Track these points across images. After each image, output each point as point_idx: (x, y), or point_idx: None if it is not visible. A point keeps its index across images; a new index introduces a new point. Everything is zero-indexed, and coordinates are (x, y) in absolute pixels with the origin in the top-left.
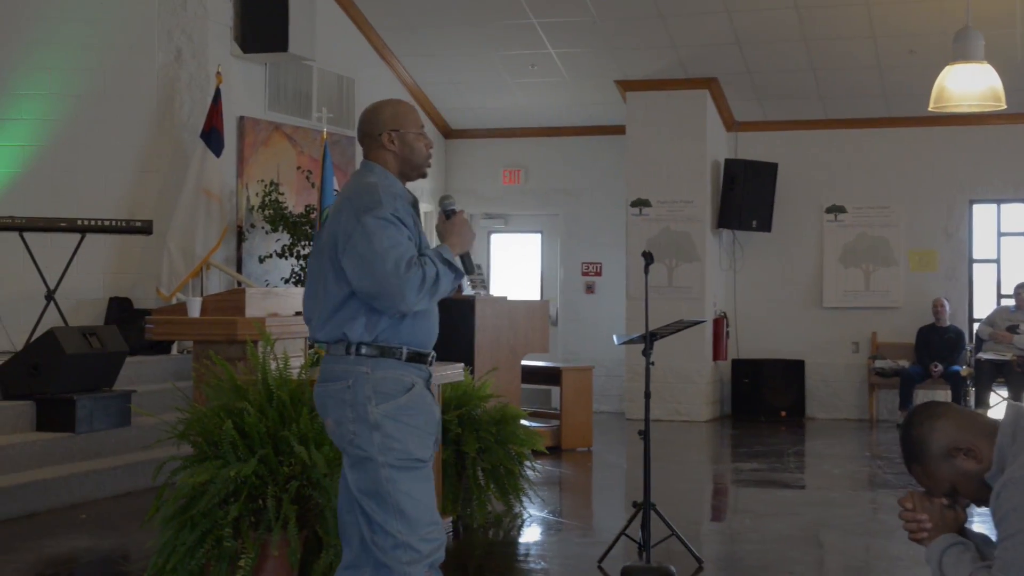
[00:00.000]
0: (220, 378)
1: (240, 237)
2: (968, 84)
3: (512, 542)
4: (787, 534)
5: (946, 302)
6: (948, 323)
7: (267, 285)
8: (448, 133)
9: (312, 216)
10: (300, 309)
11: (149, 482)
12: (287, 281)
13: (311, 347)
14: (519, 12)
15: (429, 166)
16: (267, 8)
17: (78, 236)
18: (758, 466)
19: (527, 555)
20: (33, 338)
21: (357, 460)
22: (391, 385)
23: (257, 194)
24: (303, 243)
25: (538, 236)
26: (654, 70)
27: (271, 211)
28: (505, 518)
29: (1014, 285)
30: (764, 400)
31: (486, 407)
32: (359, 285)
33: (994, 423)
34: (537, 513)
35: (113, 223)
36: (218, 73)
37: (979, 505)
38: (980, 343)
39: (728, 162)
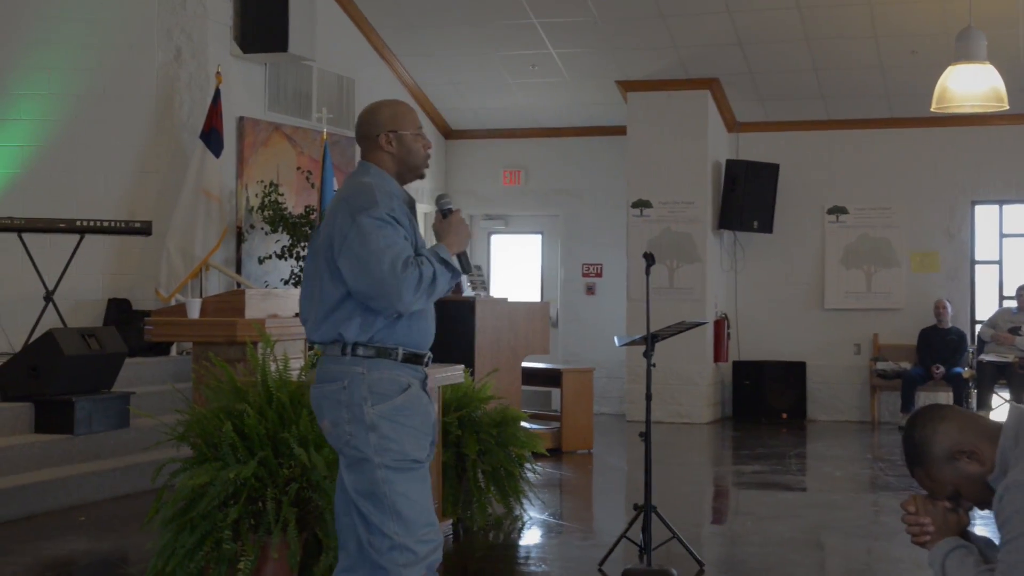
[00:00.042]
0: (220, 380)
1: (239, 238)
2: (970, 84)
3: (512, 545)
4: (788, 537)
5: (948, 303)
6: (950, 325)
7: (266, 286)
8: (448, 133)
9: (312, 217)
10: (299, 311)
11: (148, 484)
12: (287, 282)
13: (311, 349)
14: (520, 12)
15: (427, 167)
16: (267, 8)
17: (77, 237)
18: (759, 468)
19: (527, 558)
20: (32, 339)
21: (353, 461)
22: (387, 386)
23: (257, 195)
24: (303, 244)
25: (538, 237)
26: (655, 70)
27: (271, 212)
28: (505, 520)
29: (1016, 286)
30: (765, 402)
31: (486, 409)
32: (355, 286)
33: (997, 425)
34: (537, 515)
35: (112, 224)
36: (218, 73)
37: (982, 508)
38: (982, 345)
39: (729, 163)
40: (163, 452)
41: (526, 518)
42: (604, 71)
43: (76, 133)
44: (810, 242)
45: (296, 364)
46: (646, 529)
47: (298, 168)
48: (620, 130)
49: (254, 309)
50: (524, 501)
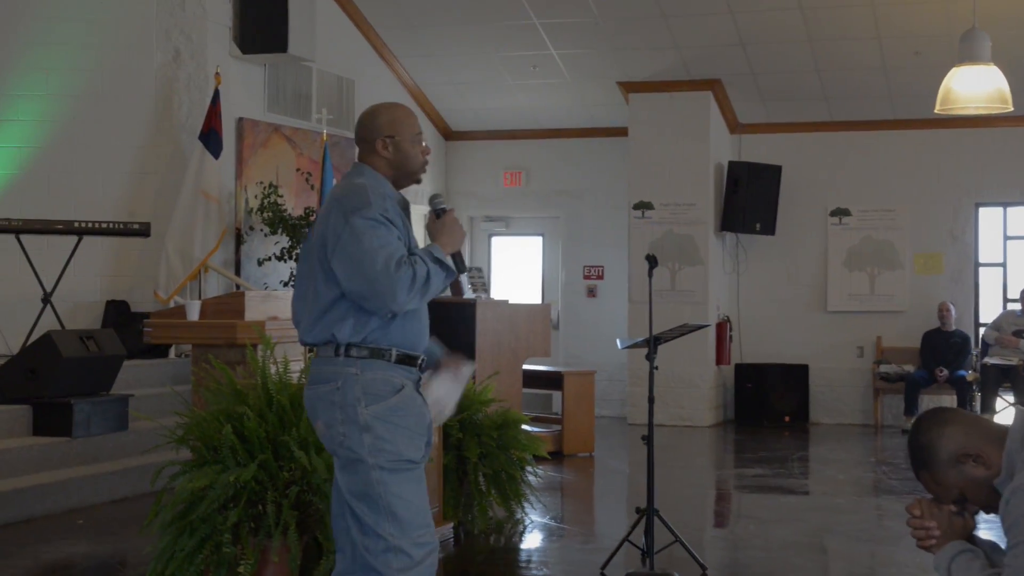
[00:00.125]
0: (219, 382)
1: (239, 240)
2: (975, 86)
3: (513, 548)
4: (791, 540)
5: (952, 306)
6: (954, 327)
7: (266, 288)
8: (448, 135)
9: (311, 219)
10: (292, 312)
11: (147, 487)
12: (286, 284)
13: (310, 351)
14: (520, 13)
15: (424, 172)
16: (266, 8)
17: (75, 238)
18: (762, 472)
19: (529, 561)
20: (30, 341)
21: (347, 462)
22: (380, 386)
23: (256, 196)
24: (302, 246)
25: (539, 239)
26: (657, 71)
27: (270, 213)
28: (506, 524)
29: (1020, 289)
30: (768, 405)
31: (487, 412)
32: (349, 286)
33: (1003, 429)
34: (539, 519)
35: (110, 225)
36: (217, 74)
37: (988, 512)
38: (986, 347)
39: (731, 164)
40: (162, 455)
41: (527, 521)
42: (605, 72)
43: (74, 134)
44: (813, 244)
45: (296, 366)
46: (648, 533)
47: (297, 169)
48: (621, 131)
49: (254, 311)
50: (525, 504)
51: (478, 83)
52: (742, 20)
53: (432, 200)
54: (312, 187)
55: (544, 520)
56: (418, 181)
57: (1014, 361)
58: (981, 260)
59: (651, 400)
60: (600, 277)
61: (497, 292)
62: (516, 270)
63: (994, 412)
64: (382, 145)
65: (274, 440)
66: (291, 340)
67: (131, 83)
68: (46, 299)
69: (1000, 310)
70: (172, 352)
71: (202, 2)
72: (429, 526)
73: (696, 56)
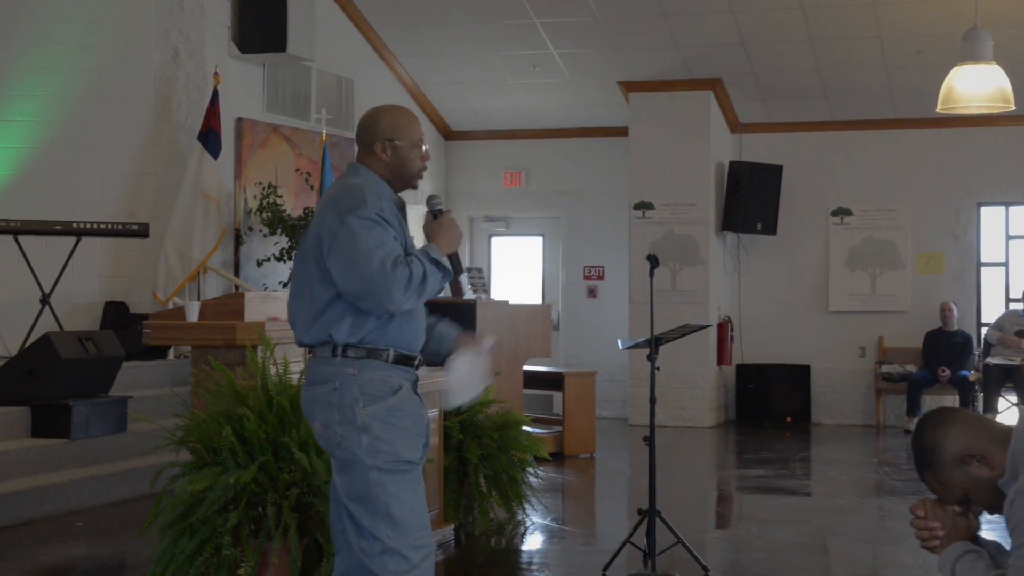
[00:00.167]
0: (219, 383)
1: (238, 240)
2: (976, 85)
3: (515, 550)
4: (794, 542)
5: (954, 306)
6: (956, 327)
7: (265, 289)
8: (448, 135)
9: (310, 219)
10: (288, 313)
11: (146, 489)
12: (285, 285)
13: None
14: (520, 12)
15: (421, 178)
16: (265, 8)
17: (74, 239)
18: (763, 472)
19: (530, 563)
20: (28, 343)
21: (344, 463)
22: (378, 386)
23: (255, 196)
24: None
25: (539, 239)
26: (657, 71)
27: (269, 214)
28: (507, 526)
29: (1022, 289)
30: (769, 406)
31: (488, 413)
32: (345, 286)
33: (1007, 429)
34: (540, 520)
35: (109, 226)
36: (215, 74)
37: (992, 512)
38: (988, 347)
39: (732, 164)
40: (161, 457)
41: (528, 523)
42: (606, 71)
43: (73, 134)
44: (814, 244)
45: (296, 367)
46: (650, 534)
47: (297, 170)
48: (622, 131)
49: (253, 312)
50: (526, 506)
51: (478, 83)
52: (743, 19)
53: (429, 201)
54: (311, 187)
55: (545, 522)
56: (414, 187)
57: (1016, 361)
58: (983, 260)
59: (652, 401)
60: (601, 277)
61: (497, 293)
62: (516, 270)
63: (996, 412)
64: (381, 148)
65: (274, 442)
66: (291, 341)
67: (130, 83)
68: (44, 300)
69: (1002, 310)
70: (171, 353)
71: (201, 2)
72: (426, 528)
73: (697, 55)
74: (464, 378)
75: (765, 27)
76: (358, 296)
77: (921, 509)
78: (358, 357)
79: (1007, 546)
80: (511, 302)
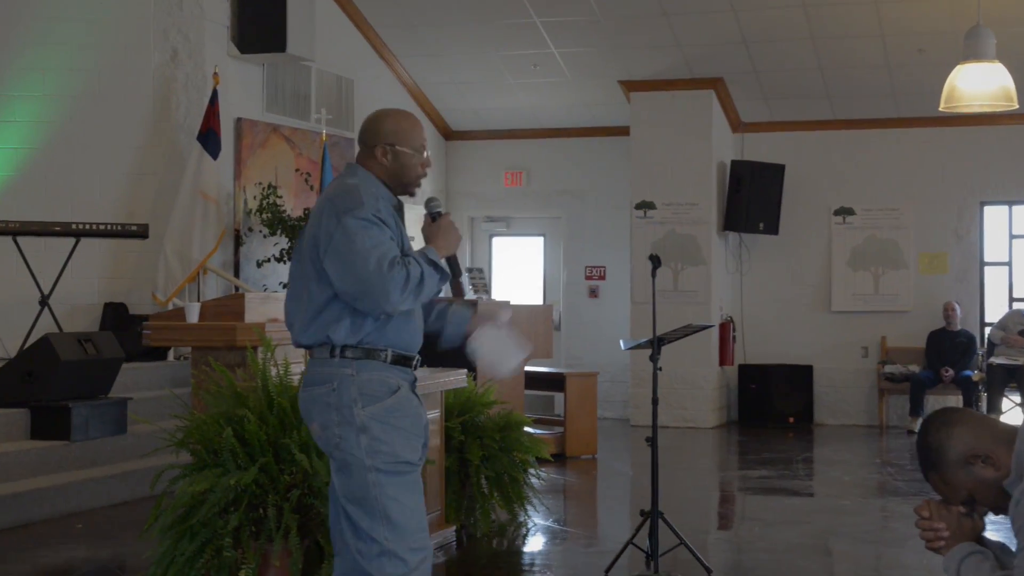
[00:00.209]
0: (219, 385)
1: (237, 241)
2: (979, 84)
3: (516, 551)
4: (796, 543)
5: (957, 306)
6: (959, 327)
7: (265, 290)
8: (449, 134)
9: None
10: (285, 314)
11: (146, 491)
12: (285, 286)
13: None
14: (521, 11)
15: (419, 185)
16: (265, 8)
17: (73, 240)
18: (766, 473)
19: (532, 565)
20: (27, 344)
21: (343, 464)
22: (376, 387)
23: (255, 197)
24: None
25: (540, 239)
26: (658, 70)
27: (269, 214)
28: (509, 527)
29: None
30: (772, 406)
31: (489, 414)
32: (341, 286)
33: (1012, 429)
34: (542, 522)
35: (108, 227)
36: (215, 74)
37: (997, 513)
38: (992, 347)
39: (734, 163)
40: (161, 458)
41: (530, 524)
42: (607, 70)
43: (71, 135)
44: (816, 244)
45: (297, 369)
46: (653, 535)
47: (296, 170)
48: (623, 130)
49: (254, 313)
50: (528, 507)
51: (478, 82)
52: (744, 18)
53: (428, 204)
54: (311, 187)
55: (547, 523)
56: (411, 194)
57: (1020, 361)
58: (986, 259)
59: (655, 402)
60: (602, 278)
61: (498, 293)
62: (517, 271)
63: (1000, 412)
64: (382, 152)
65: (275, 443)
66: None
67: (129, 83)
68: (43, 301)
69: (1006, 309)
70: (171, 355)
71: (200, 1)
72: (424, 531)
73: (698, 54)
74: (495, 352)
75: (767, 26)
76: (354, 297)
77: (926, 510)
78: (356, 358)
79: (1012, 547)
80: (512, 302)
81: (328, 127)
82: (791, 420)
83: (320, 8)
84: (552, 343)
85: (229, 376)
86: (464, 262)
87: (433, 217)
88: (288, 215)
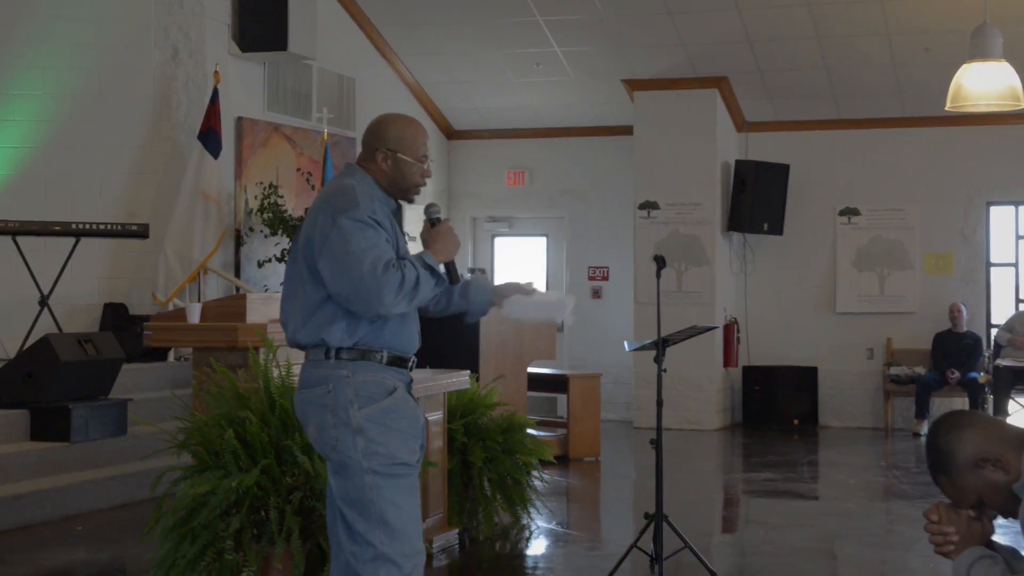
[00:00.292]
0: (221, 386)
1: (238, 241)
2: (986, 83)
3: (519, 554)
4: (801, 546)
5: (963, 307)
6: (965, 328)
7: (266, 290)
8: (451, 134)
9: None
10: (280, 313)
11: (147, 493)
12: None
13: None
14: (524, 9)
15: (418, 193)
16: (266, 6)
17: (73, 240)
18: (771, 476)
19: (535, 568)
20: (27, 345)
21: (339, 466)
22: (372, 388)
23: (256, 197)
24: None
25: (543, 239)
26: (662, 69)
27: (270, 214)
28: (512, 530)
29: None
30: (776, 408)
31: (492, 416)
32: (335, 287)
33: (1021, 432)
34: (545, 525)
35: (108, 227)
36: (216, 72)
37: (1006, 516)
38: (998, 349)
39: (739, 163)
40: (162, 460)
41: (533, 527)
42: (610, 69)
43: (71, 134)
44: (821, 244)
45: (299, 370)
46: (657, 539)
47: (298, 169)
48: (627, 130)
49: (255, 314)
50: (531, 510)
51: (481, 81)
52: (749, 17)
53: (427, 209)
54: (313, 187)
55: (550, 526)
56: (409, 201)
57: None
58: (993, 260)
59: (659, 403)
60: (605, 278)
61: None
62: (520, 271)
63: (1007, 415)
64: (382, 157)
65: (277, 445)
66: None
67: (129, 82)
68: (43, 302)
69: (1012, 311)
70: (171, 355)
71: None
72: (419, 536)
73: (702, 53)
74: (534, 313)
75: (772, 24)
76: (348, 298)
77: (935, 513)
78: (352, 359)
79: (1022, 551)
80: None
81: (330, 126)
82: (796, 422)
83: (322, 6)
84: (555, 344)
85: (231, 377)
86: (466, 263)
87: (432, 222)
88: (289, 215)
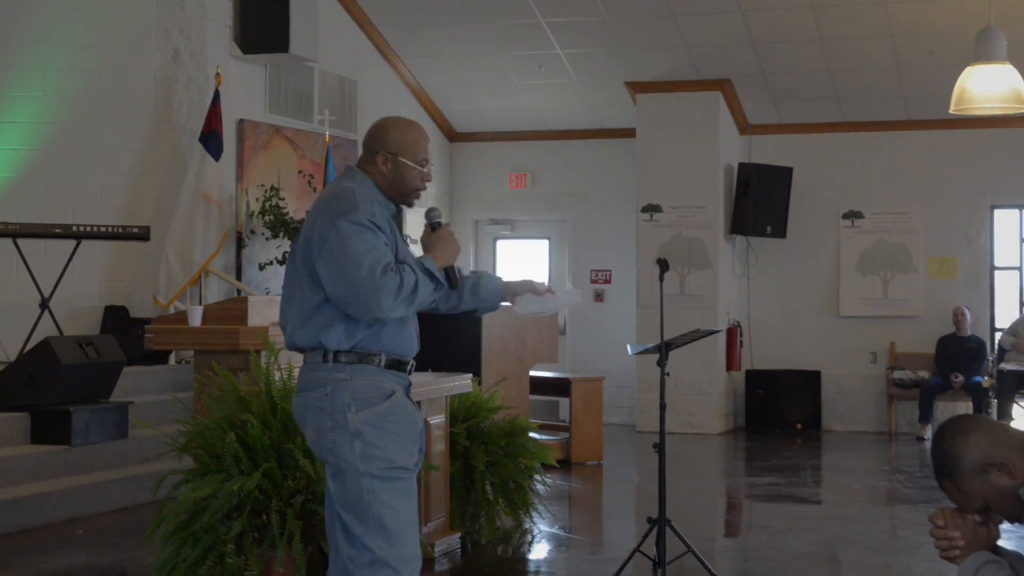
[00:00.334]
0: (222, 389)
1: (239, 243)
2: (990, 85)
3: (522, 559)
4: (804, 551)
5: (967, 311)
6: (969, 332)
7: (267, 293)
8: (453, 136)
9: None
10: (279, 315)
11: (148, 496)
12: None
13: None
14: (526, 11)
15: (418, 197)
16: (267, 8)
17: (73, 243)
18: (774, 480)
19: (537, 572)
20: (27, 348)
21: (337, 470)
22: (371, 391)
23: (257, 199)
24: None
25: (545, 242)
26: (665, 71)
27: (271, 217)
28: (514, 534)
29: None
30: (779, 412)
31: (494, 419)
32: (333, 290)
33: None
34: (547, 529)
35: (109, 229)
36: (217, 74)
37: (1012, 522)
38: (1002, 353)
39: (742, 166)
40: (163, 463)
41: (535, 531)
42: (613, 72)
43: (72, 136)
44: (825, 248)
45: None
46: (660, 543)
47: (299, 171)
48: (629, 132)
49: (257, 317)
50: (533, 514)
51: (482, 83)
52: (752, 19)
53: (428, 214)
54: (314, 190)
55: (552, 530)
56: (409, 205)
57: None
58: (997, 264)
59: (663, 407)
60: (608, 281)
61: None
62: (522, 274)
63: (1011, 419)
64: (383, 160)
65: (278, 448)
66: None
67: (130, 84)
68: (44, 304)
69: (1016, 315)
70: (172, 358)
71: (202, 1)
72: (416, 540)
73: (705, 56)
74: (544, 308)
75: (775, 27)
76: (346, 302)
77: (940, 518)
78: (350, 362)
79: None
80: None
81: (331, 128)
82: (799, 426)
83: (323, 8)
84: (557, 348)
85: (232, 380)
86: (468, 266)
87: (433, 227)
88: (291, 217)
